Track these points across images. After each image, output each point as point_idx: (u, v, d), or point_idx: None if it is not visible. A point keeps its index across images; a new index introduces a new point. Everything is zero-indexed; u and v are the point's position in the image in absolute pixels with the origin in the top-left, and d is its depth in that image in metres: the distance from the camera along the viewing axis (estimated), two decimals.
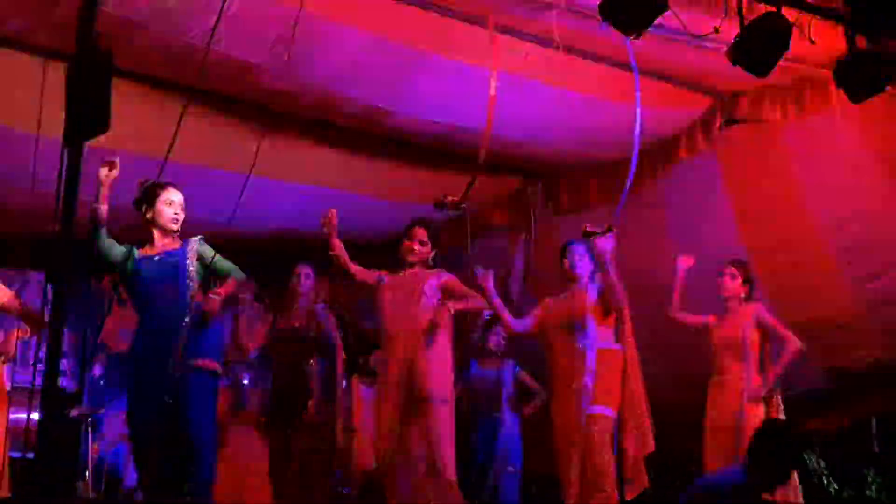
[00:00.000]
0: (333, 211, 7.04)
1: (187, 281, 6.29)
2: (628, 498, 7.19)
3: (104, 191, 6.17)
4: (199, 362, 6.20)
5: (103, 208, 6.16)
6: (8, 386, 7.23)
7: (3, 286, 7.31)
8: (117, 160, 6.16)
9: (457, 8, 7.33)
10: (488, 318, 8.73)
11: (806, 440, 5.85)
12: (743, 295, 8.09)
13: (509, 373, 9.01)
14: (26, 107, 7.21)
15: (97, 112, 5.12)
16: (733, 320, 8.00)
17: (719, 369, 7.99)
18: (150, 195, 6.41)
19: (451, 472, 6.76)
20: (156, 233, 6.43)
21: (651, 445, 7.31)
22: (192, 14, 6.92)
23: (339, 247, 7.09)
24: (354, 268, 7.18)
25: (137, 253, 6.34)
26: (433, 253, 7.26)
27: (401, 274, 7.17)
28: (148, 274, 6.30)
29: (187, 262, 6.34)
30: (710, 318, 8.11)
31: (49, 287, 5.32)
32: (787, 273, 9.16)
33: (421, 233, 7.23)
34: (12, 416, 7.18)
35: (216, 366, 6.34)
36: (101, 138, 5.23)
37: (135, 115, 7.54)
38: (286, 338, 8.12)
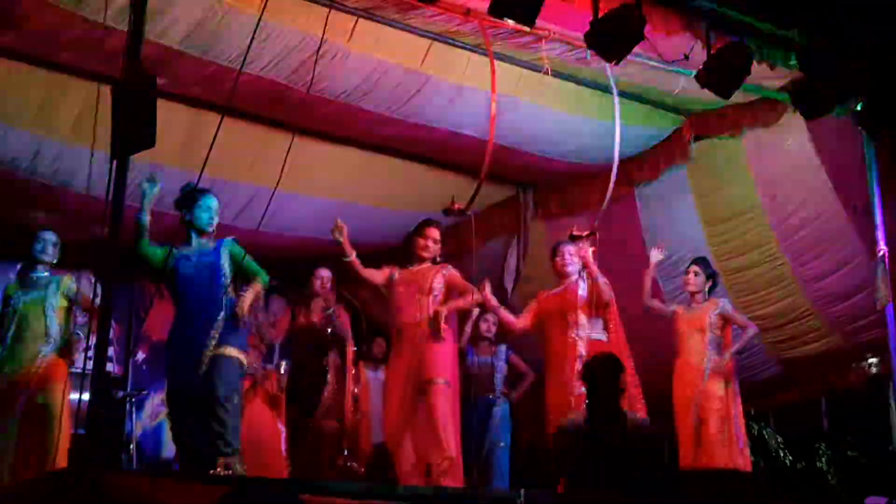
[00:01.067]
0: (341, 222, 7.05)
1: (222, 279, 6.31)
2: None
3: (148, 204, 6.20)
4: (229, 351, 6.20)
5: (147, 219, 6.18)
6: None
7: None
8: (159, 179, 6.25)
9: (459, 39, 7.34)
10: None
11: (621, 367, 5.96)
12: (706, 288, 8.18)
13: (502, 357, 9.02)
14: (81, 123, 7.24)
15: (143, 129, 5.15)
16: (698, 310, 8.09)
17: (684, 351, 8.06)
18: (189, 199, 6.40)
19: (451, 448, 6.78)
20: (193, 233, 6.43)
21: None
22: (225, 41, 6.94)
23: (352, 254, 7.10)
24: (366, 272, 7.19)
25: (176, 252, 6.33)
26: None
27: (412, 269, 7.17)
28: (186, 272, 6.31)
29: (221, 262, 6.34)
30: (678, 308, 8.16)
31: (98, 284, 5.35)
32: (747, 272, 9.23)
33: (435, 232, 7.23)
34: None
35: (243, 356, 6.33)
36: (146, 153, 5.29)
37: (174, 132, 7.57)
38: (305, 332, 8.14)
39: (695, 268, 8.19)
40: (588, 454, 5.67)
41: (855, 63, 7.26)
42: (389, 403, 7.04)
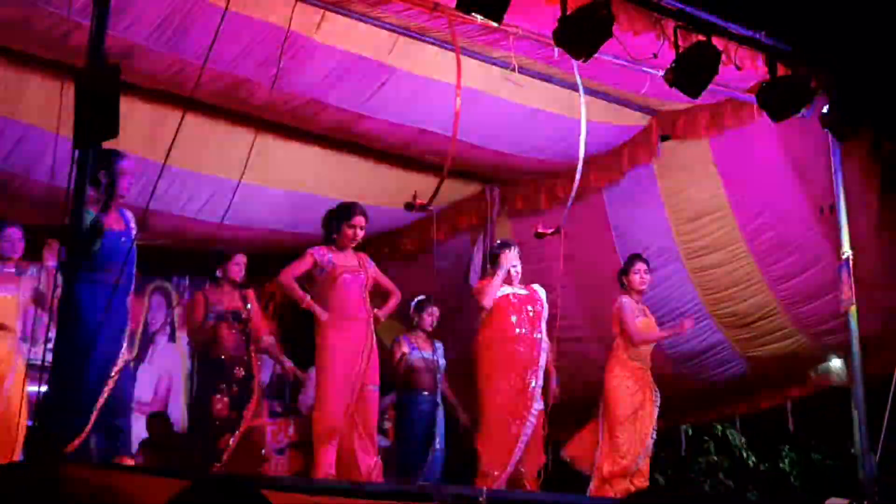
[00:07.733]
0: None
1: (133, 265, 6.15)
2: None
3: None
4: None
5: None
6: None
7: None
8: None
9: (425, 33, 7.34)
10: (421, 298, 8.62)
11: None
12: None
13: (440, 352, 8.67)
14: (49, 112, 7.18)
15: (106, 119, 5.11)
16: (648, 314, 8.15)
17: (639, 355, 8.01)
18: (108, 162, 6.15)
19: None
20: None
21: None
22: (189, 36, 6.91)
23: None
24: (307, 301, 7.00)
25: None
26: None
27: (343, 254, 7.05)
28: (114, 247, 6.02)
29: (131, 232, 6.19)
30: (623, 299, 8.12)
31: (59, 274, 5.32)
32: (715, 270, 9.30)
33: (362, 221, 7.07)
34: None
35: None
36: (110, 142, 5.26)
37: (138, 123, 7.53)
38: (220, 318, 8.03)
39: (643, 266, 8.12)
40: None
41: (822, 64, 7.36)
42: (335, 396, 6.82)
